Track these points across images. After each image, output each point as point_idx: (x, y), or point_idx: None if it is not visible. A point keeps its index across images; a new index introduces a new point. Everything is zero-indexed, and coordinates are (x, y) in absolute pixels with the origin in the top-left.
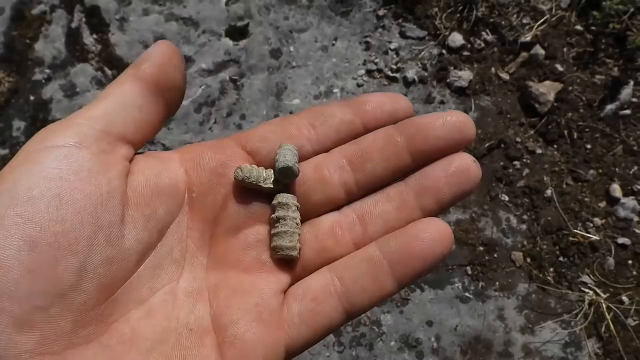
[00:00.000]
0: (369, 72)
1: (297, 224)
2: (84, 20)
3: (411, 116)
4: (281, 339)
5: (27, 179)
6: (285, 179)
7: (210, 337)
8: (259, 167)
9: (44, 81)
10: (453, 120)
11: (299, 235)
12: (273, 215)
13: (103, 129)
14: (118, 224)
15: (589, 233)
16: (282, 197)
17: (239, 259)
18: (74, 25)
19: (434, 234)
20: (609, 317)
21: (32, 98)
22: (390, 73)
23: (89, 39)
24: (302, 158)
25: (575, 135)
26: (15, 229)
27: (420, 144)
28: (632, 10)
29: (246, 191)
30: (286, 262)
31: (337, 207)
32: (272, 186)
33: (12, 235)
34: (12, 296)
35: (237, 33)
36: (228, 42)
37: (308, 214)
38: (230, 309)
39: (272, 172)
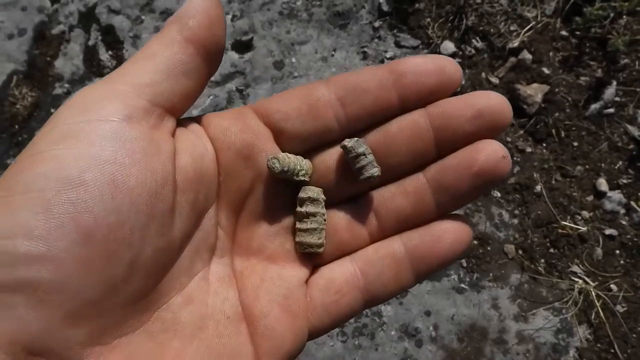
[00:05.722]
0: None
1: (324, 220)
2: (99, 38)
3: (457, 85)
4: (305, 327)
5: (75, 159)
6: (368, 182)
7: (244, 325)
8: (288, 153)
9: (63, 95)
10: (486, 111)
11: (325, 231)
12: (301, 209)
13: (151, 99)
14: (168, 213)
15: (577, 225)
16: (312, 191)
17: (263, 245)
18: (90, 42)
19: (457, 236)
20: (598, 304)
21: (52, 111)
22: None
23: (104, 55)
24: (329, 141)
25: (562, 134)
26: (68, 219)
27: (448, 137)
28: (611, 15)
29: (273, 178)
30: (309, 255)
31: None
32: (307, 179)
33: (65, 225)
34: (63, 290)
35: (242, 46)
36: (234, 55)
37: (331, 199)
38: (259, 300)
39: (308, 163)
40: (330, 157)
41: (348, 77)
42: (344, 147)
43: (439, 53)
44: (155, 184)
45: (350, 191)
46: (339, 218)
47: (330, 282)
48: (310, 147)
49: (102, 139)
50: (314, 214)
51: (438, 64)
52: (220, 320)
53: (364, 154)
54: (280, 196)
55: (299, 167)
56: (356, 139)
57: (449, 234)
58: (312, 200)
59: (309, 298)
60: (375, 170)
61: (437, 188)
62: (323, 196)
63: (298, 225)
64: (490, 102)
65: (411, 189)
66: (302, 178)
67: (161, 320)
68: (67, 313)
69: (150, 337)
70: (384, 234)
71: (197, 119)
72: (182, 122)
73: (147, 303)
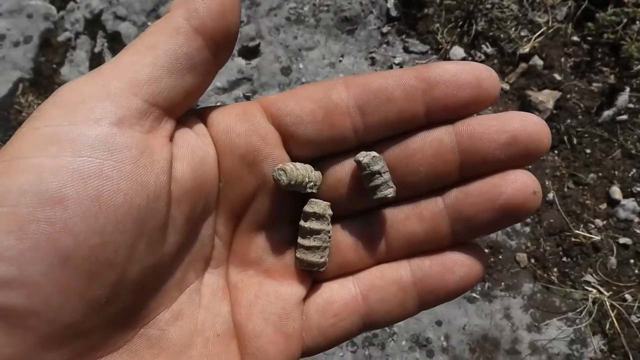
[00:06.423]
0: None
1: (329, 237)
2: (106, 45)
3: (493, 101)
4: (299, 348)
5: (56, 170)
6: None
7: (234, 344)
8: (296, 162)
9: None
10: (522, 137)
11: (329, 249)
12: (305, 224)
13: (148, 99)
14: (160, 229)
15: (590, 234)
16: (318, 206)
17: (261, 257)
18: (96, 50)
19: (469, 270)
20: (612, 315)
21: None
22: None
23: None
24: (343, 151)
25: (575, 141)
26: (45, 240)
27: (475, 162)
28: (624, 20)
29: (278, 187)
30: (309, 271)
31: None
32: (315, 191)
33: (40, 246)
34: (40, 315)
35: (249, 52)
36: (241, 62)
37: (339, 213)
38: (252, 318)
39: (317, 174)
40: (342, 168)
41: (371, 80)
42: (358, 163)
43: (449, 58)
44: (146, 199)
45: (361, 206)
46: (345, 236)
47: (328, 304)
48: (321, 154)
49: (88, 148)
50: (317, 231)
51: (474, 76)
52: (210, 338)
53: (379, 173)
54: (284, 206)
55: (307, 179)
56: (372, 154)
57: (460, 266)
58: (318, 217)
59: (304, 317)
60: (389, 191)
61: (456, 217)
62: (330, 211)
63: (300, 240)
64: (528, 127)
65: (427, 214)
66: (309, 190)
67: (147, 337)
68: (44, 337)
69: (133, 355)
70: (391, 255)
71: (201, 115)
72: (183, 119)
73: (133, 320)
